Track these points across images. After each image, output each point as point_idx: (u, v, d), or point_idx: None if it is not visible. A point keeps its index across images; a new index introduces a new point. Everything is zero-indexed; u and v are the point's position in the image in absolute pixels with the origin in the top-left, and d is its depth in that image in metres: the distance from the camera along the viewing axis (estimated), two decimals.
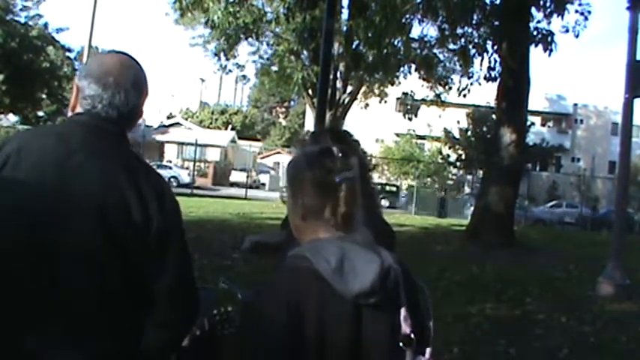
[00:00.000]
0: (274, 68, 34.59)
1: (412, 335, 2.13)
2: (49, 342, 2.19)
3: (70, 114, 2.50)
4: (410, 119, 34.22)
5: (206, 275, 10.46)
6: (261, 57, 35.12)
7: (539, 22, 22.43)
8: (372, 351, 2.10)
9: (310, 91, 31.94)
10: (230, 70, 35.48)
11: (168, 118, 76.37)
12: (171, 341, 2.43)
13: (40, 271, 2.19)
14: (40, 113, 42.48)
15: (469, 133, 48.86)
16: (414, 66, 31.31)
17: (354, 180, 2.21)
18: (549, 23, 22.48)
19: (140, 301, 2.31)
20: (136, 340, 2.32)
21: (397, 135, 61.29)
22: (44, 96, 36.08)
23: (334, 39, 30.38)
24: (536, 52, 45.47)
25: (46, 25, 34.58)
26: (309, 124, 38.25)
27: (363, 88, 34.86)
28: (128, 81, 2.47)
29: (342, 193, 2.18)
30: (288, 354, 2.01)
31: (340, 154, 2.23)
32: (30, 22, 33.73)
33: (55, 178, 2.25)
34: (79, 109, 2.46)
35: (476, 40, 25.29)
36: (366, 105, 38.01)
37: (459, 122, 49.75)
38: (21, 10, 33.67)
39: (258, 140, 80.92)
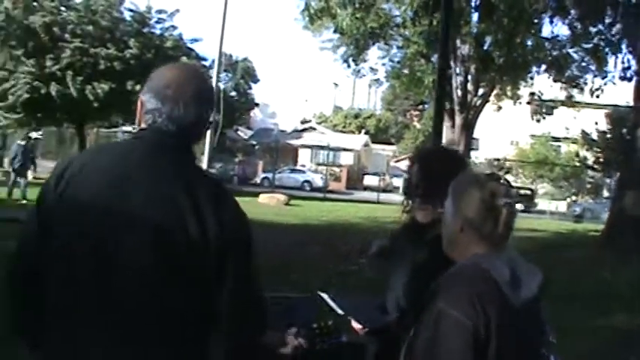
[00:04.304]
0: (405, 71, 34.43)
1: (554, 341, 2.57)
2: (108, 353, 2.25)
3: (137, 129, 2.51)
4: (538, 121, 33.45)
5: (333, 280, 10.48)
6: (391, 60, 35.00)
7: None
8: (527, 354, 2.45)
9: None
10: (363, 74, 35.59)
11: (303, 122, 77.06)
12: (236, 356, 2.42)
13: (101, 285, 2.23)
14: None
15: (607, 134, 47.18)
16: (544, 67, 30.53)
17: (514, 207, 2.53)
18: None
19: (203, 315, 2.31)
20: (200, 354, 2.34)
21: (532, 137, 59.95)
22: None
23: (465, 41, 30.29)
24: None
25: (180, 37, 35.57)
26: (444, 128, 37.83)
27: (496, 91, 34.25)
28: (188, 93, 2.42)
29: (503, 215, 2.49)
30: (474, 356, 2.26)
31: (504, 182, 2.59)
32: (165, 34, 34.76)
33: (115, 197, 2.28)
34: (143, 125, 2.46)
35: (610, 39, 24.46)
36: (499, 107, 37.34)
37: (597, 123, 48.14)
38: (156, 22, 34.80)
39: (392, 144, 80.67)
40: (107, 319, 2.24)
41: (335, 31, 29.11)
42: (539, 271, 2.50)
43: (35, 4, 32.03)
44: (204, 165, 26.55)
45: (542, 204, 47.94)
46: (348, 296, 3.61)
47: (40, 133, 37.09)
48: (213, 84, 26.74)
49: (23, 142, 22.68)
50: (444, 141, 38.31)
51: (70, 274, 2.28)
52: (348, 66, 32.49)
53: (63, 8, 33.04)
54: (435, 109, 10.20)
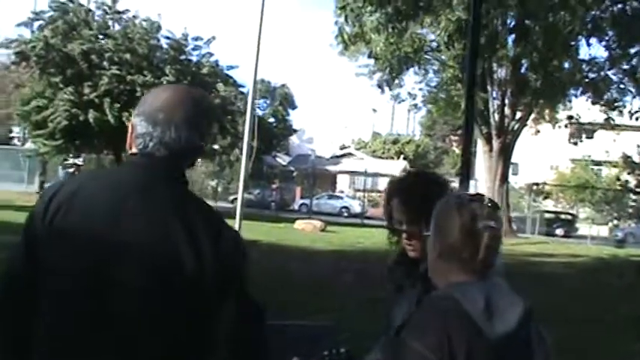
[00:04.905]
0: (442, 96, 34.36)
1: None
2: None
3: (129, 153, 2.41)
4: (576, 144, 33.07)
5: (364, 306, 10.34)
6: (428, 85, 34.96)
7: None
8: None
9: (479, 119, 31.47)
10: (402, 100, 35.60)
11: (341, 149, 77.09)
12: None
13: (93, 315, 2.16)
14: (216, 146, 43.90)
15: None
16: (581, 89, 30.23)
17: (497, 231, 2.32)
18: None
19: (200, 342, 2.22)
20: None
21: (572, 161, 59.27)
22: (216, 130, 37.20)
23: (502, 64, 30.17)
24: None
25: (216, 63, 35.79)
26: (481, 152, 37.73)
27: (533, 114, 33.97)
28: (180, 116, 2.29)
29: (484, 240, 2.28)
30: None
31: (489, 204, 2.36)
32: (201, 61, 35.00)
33: (105, 226, 2.19)
34: (134, 149, 2.35)
35: None
36: (537, 131, 37.02)
37: (638, 146, 47.46)
38: (193, 49, 35.15)
39: (431, 169, 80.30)
40: (98, 349, 2.16)
41: (369, 57, 29.14)
42: (521, 302, 2.27)
43: (74, 32, 32.46)
44: (239, 191, 26.63)
45: (583, 229, 47.16)
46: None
47: (81, 160, 37.52)
48: (248, 110, 26.89)
49: (71, 170, 22.78)
50: (481, 166, 38.05)
51: (60, 303, 2.20)
52: (382, 91, 32.51)
53: (101, 36, 33.59)
54: (463, 136, 9.87)
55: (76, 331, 2.17)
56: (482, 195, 2.50)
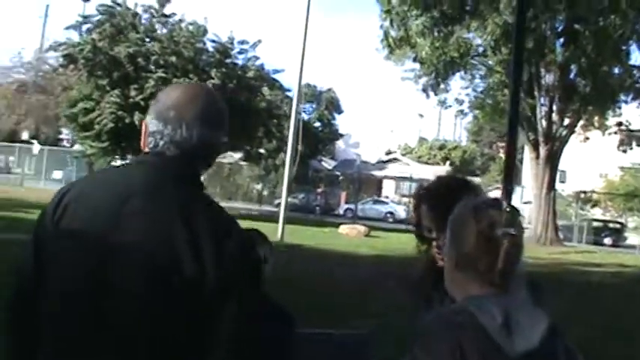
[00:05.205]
0: (489, 101, 34.06)
1: None
2: None
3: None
4: (625, 151, 32.52)
5: (406, 312, 10.18)
6: (474, 90, 34.69)
7: None
8: None
9: (526, 125, 31.12)
10: (449, 105, 35.40)
11: (387, 154, 77.04)
12: None
13: (93, 315, 2.11)
14: (262, 150, 44.05)
15: None
16: (632, 95, 29.71)
17: (518, 237, 2.14)
18: None
19: (200, 344, 2.13)
20: None
21: (621, 169, 58.37)
22: (262, 134, 37.32)
23: (550, 69, 29.80)
24: None
25: (262, 67, 35.88)
26: (528, 159, 37.40)
27: (582, 121, 33.48)
28: (192, 114, 2.23)
29: (503, 249, 2.09)
30: None
31: (508, 209, 2.17)
32: (247, 64, 35.09)
33: (108, 226, 2.13)
34: (146, 149, 2.29)
35: None
36: (586, 138, 36.48)
37: None
38: (238, 53, 35.22)
39: (477, 176, 79.81)
40: (101, 349, 2.10)
41: (415, 61, 29.00)
42: (544, 317, 2.08)
43: (121, 35, 32.80)
44: (283, 195, 26.66)
45: (631, 238, 46.39)
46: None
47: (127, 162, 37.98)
48: (292, 114, 27.05)
49: None
50: (528, 173, 37.65)
51: (64, 303, 2.16)
52: (428, 96, 32.32)
53: (147, 39, 33.96)
54: (507, 142, 9.60)
55: (80, 332, 2.12)
56: (501, 200, 2.31)
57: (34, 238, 2.28)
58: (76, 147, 47.06)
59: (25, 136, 57.57)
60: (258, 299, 2.25)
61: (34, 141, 52.94)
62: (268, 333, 2.42)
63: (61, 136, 63.56)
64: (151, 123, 2.26)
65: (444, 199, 2.76)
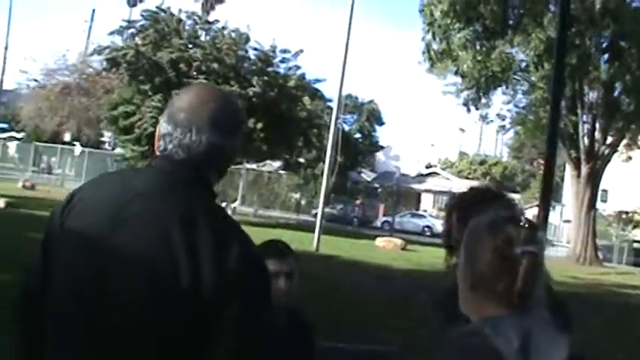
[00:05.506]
0: (530, 117, 33.77)
1: None
2: None
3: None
4: None
5: (435, 328, 10.06)
6: (516, 105, 34.43)
7: None
8: None
9: (568, 143, 30.79)
10: (491, 120, 35.15)
11: (427, 167, 76.81)
12: None
13: (89, 320, 2.07)
14: (301, 160, 44.04)
15: None
16: None
17: (538, 255, 1.99)
18: None
19: (198, 353, 2.05)
20: None
21: None
22: (301, 144, 37.30)
23: (594, 87, 29.48)
24: None
25: (303, 76, 35.84)
26: (569, 177, 37.03)
27: (625, 140, 33.04)
28: (203, 117, 2.15)
29: (522, 268, 1.95)
30: None
31: (527, 225, 2.03)
32: (288, 73, 35.11)
33: (108, 230, 2.08)
34: (157, 152, 2.23)
35: None
36: (629, 157, 35.99)
37: None
38: (280, 61, 35.17)
39: (517, 192, 79.23)
40: (98, 350, 2.07)
41: (456, 74, 28.83)
42: (566, 342, 1.95)
43: (164, 41, 33.05)
44: (320, 205, 26.62)
45: None
46: None
47: None
48: (332, 125, 27.04)
49: None
50: (569, 191, 37.22)
51: (65, 303, 2.14)
52: (468, 110, 32.12)
53: (190, 45, 34.10)
54: (545, 159, 9.35)
55: (81, 332, 2.09)
56: (520, 215, 2.15)
57: (44, 238, 2.26)
58: (117, 150, 47.49)
59: (67, 137, 58.30)
60: (263, 312, 2.15)
61: (76, 143, 53.46)
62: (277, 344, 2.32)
63: (102, 139, 64.29)
64: (161, 126, 2.20)
65: (474, 211, 2.59)
